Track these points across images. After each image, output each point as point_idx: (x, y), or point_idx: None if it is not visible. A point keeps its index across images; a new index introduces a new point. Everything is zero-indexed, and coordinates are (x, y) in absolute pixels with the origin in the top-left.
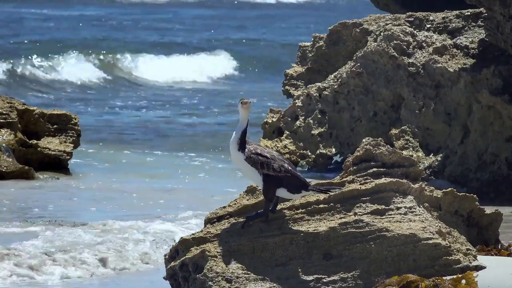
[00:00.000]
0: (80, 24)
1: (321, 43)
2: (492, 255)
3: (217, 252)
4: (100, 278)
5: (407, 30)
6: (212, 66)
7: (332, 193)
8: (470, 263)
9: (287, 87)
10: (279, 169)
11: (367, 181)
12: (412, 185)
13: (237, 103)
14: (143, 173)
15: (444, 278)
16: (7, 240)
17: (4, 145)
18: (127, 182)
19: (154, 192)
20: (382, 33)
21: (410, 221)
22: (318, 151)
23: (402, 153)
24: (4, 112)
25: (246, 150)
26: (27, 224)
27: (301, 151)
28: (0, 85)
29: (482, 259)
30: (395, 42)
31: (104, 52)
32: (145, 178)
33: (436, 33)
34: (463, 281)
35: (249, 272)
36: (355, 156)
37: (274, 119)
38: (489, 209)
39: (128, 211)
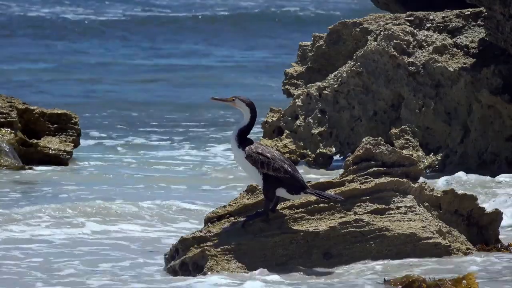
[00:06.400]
0: None
1: (321, 43)
2: None
3: (217, 251)
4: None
5: (407, 30)
6: None
7: (331, 200)
8: None
9: (287, 86)
10: (279, 169)
11: (367, 180)
12: (412, 185)
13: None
14: None
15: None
16: None
17: (5, 144)
18: None
19: None
20: (382, 33)
21: (410, 220)
22: (318, 151)
23: (402, 153)
24: (4, 112)
25: (247, 148)
26: None
27: (301, 151)
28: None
29: None
30: (395, 41)
31: None
32: None
33: (436, 32)
34: (464, 282)
35: (249, 271)
36: (355, 155)
37: (274, 119)
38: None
39: None
